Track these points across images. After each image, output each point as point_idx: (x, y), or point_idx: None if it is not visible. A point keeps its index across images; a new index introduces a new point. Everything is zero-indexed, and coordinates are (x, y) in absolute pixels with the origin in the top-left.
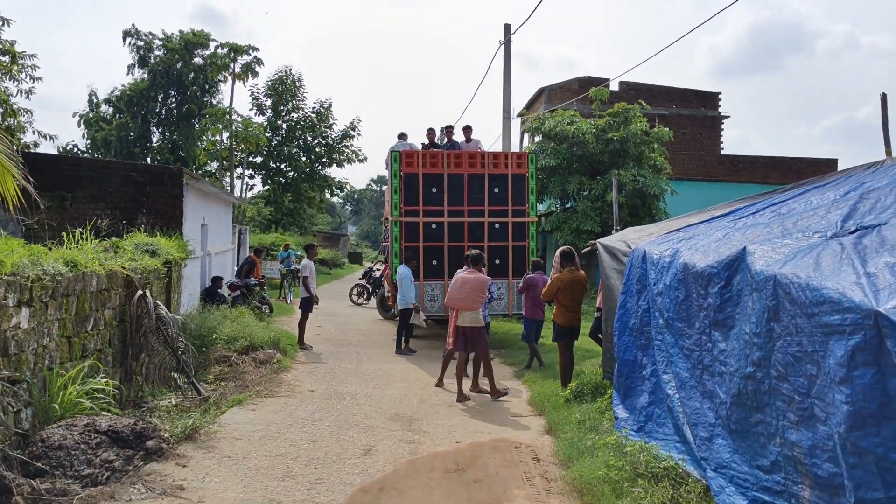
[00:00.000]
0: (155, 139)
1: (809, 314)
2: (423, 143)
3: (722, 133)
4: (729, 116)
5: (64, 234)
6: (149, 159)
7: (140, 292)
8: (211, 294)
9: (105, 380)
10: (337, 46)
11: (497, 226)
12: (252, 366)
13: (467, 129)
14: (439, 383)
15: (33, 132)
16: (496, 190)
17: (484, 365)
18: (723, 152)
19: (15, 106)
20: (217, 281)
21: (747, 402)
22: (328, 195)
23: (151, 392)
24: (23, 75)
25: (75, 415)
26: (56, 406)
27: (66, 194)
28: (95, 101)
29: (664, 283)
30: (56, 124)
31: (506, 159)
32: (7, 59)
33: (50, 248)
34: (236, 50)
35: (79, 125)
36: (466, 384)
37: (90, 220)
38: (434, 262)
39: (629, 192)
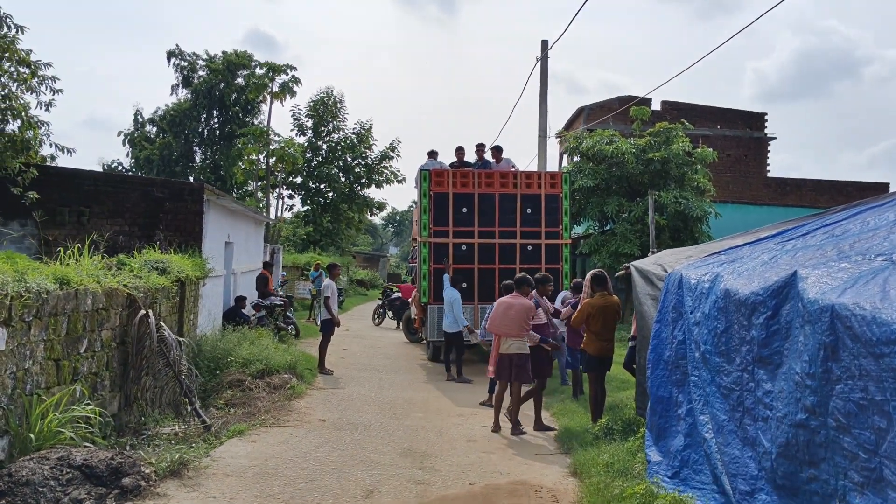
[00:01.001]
0: (197, 159)
1: (878, 354)
2: (451, 163)
3: (768, 155)
4: (776, 138)
5: (61, 249)
6: (191, 178)
7: (143, 312)
8: (234, 314)
9: (91, 406)
10: (377, 68)
11: (530, 248)
12: (265, 391)
13: (497, 150)
14: (496, 427)
15: (50, 145)
16: (529, 211)
17: (515, 394)
18: (769, 174)
19: (34, 119)
20: (241, 301)
21: (798, 454)
22: (368, 216)
23: (154, 418)
24: (43, 87)
25: (55, 445)
26: (32, 436)
27: (84, 209)
28: (141, 120)
29: (702, 312)
30: (108, 145)
31: (539, 179)
32: (26, 70)
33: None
34: (274, 69)
35: (123, 144)
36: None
37: (108, 235)
38: (464, 285)
39: (671, 215)
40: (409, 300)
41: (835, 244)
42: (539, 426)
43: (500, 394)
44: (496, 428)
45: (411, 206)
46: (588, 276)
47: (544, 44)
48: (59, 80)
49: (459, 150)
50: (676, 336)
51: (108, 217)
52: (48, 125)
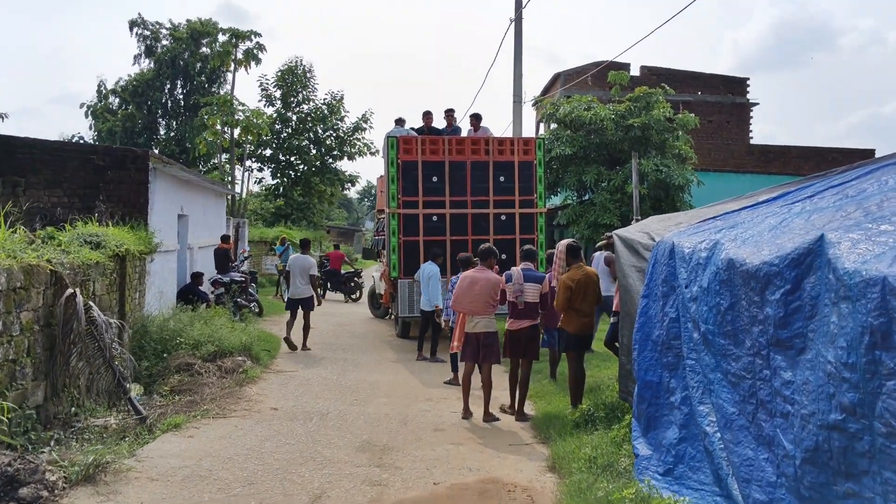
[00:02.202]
0: (162, 131)
1: None
2: (418, 128)
3: (751, 121)
4: (758, 104)
5: None
6: (156, 151)
7: (70, 291)
8: (190, 292)
9: None
10: (350, 39)
11: (503, 217)
12: (216, 375)
13: (475, 118)
14: (466, 414)
15: None
16: (502, 179)
17: (485, 378)
18: (752, 142)
19: None
20: (198, 277)
21: (831, 462)
22: (340, 190)
23: (89, 409)
24: None
25: None
26: None
27: (19, 180)
28: (104, 91)
29: (699, 286)
30: (78, 120)
31: (512, 145)
32: None
33: None
34: (238, 35)
35: (86, 116)
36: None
37: (45, 208)
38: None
39: (651, 184)
40: (379, 275)
41: (857, 205)
42: (521, 415)
43: (468, 376)
44: (466, 414)
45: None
46: (561, 246)
47: (518, 2)
48: None
49: (427, 115)
50: (668, 313)
51: (45, 188)
52: None
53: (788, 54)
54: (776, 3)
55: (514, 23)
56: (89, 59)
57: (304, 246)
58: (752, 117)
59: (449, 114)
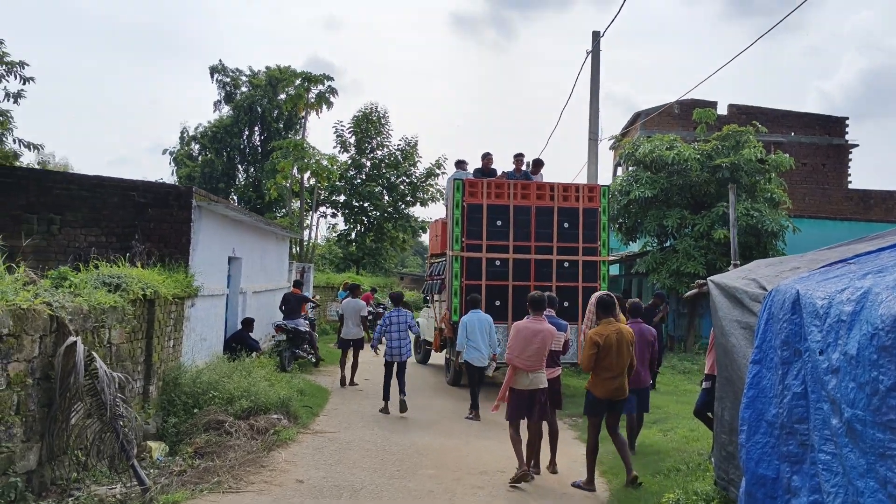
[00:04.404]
0: (240, 176)
1: None
2: (476, 169)
3: (850, 163)
4: (858, 145)
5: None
6: (234, 196)
7: (71, 339)
8: (237, 340)
9: None
10: (427, 87)
11: (566, 265)
12: (246, 436)
13: (538, 164)
14: (525, 476)
15: (14, 141)
16: (566, 225)
17: (534, 434)
18: (850, 186)
19: None
20: (249, 324)
21: None
22: (412, 236)
23: (94, 475)
24: (12, 77)
25: None
26: None
27: (55, 217)
28: (186, 137)
29: (843, 352)
30: (165, 167)
31: (577, 192)
32: None
33: None
34: (310, 79)
35: (169, 163)
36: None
37: (81, 247)
38: (497, 304)
39: (741, 229)
40: (438, 321)
41: None
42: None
43: (518, 435)
44: (526, 476)
45: None
46: (593, 299)
47: (595, 35)
48: (28, 65)
49: (486, 157)
50: (791, 386)
51: (82, 226)
52: (10, 116)
53: (877, 104)
54: (866, 53)
55: (590, 55)
56: (179, 108)
57: (353, 290)
58: (850, 159)
59: (518, 158)
